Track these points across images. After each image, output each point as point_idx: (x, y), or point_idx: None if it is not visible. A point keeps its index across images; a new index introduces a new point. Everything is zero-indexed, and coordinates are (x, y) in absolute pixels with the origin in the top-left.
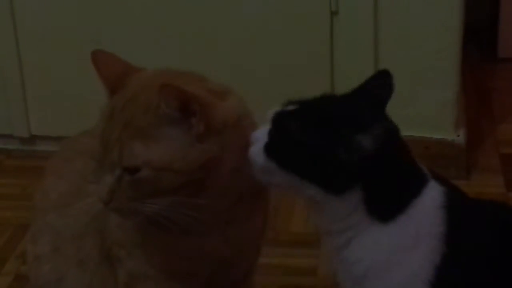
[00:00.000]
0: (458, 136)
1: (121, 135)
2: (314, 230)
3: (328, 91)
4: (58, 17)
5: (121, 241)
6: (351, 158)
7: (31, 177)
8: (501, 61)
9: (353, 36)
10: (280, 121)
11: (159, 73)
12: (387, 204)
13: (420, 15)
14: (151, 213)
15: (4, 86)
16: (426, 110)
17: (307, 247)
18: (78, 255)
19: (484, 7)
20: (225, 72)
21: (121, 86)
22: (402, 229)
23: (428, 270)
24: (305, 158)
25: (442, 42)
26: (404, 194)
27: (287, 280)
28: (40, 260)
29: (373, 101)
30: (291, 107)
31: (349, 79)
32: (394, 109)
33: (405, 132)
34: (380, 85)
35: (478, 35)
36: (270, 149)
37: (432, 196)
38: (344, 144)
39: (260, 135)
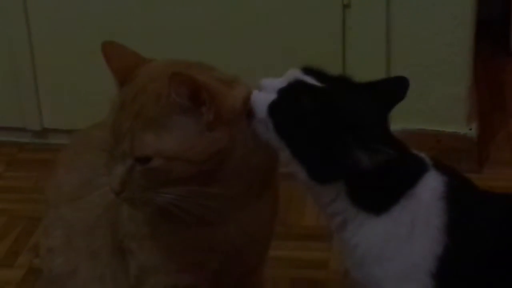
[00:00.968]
0: (470, 129)
1: (132, 126)
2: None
3: None
4: (70, 10)
5: (133, 233)
6: (347, 160)
7: (43, 170)
8: None
9: (365, 29)
10: (296, 91)
11: (169, 63)
12: (372, 197)
13: (432, 9)
14: (163, 203)
15: (16, 80)
16: (438, 103)
17: (319, 240)
18: (90, 248)
19: (497, 1)
20: (235, 64)
21: (131, 77)
22: (396, 219)
23: (430, 261)
24: (301, 138)
25: (454, 35)
26: (394, 187)
27: (298, 273)
28: (52, 252)
29: (383, 104)
30: (312, 80)
31: (361, 72)
32: (407, 103)
33: (418, 125)
34: (395, 89)
35: (490, 28)
36: (274, 109)
37: (430, 186)
38: (346, 146)
39: (271, 85)
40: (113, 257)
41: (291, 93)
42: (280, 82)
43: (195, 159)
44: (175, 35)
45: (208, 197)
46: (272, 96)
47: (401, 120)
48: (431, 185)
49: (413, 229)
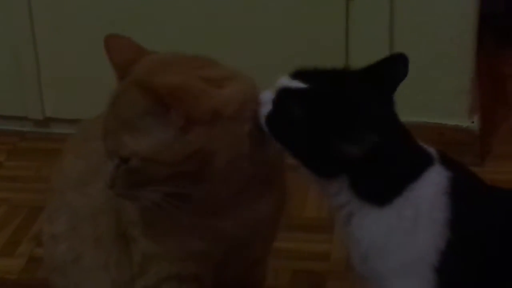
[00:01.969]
0: (473, 122)
1: (114, 125)
2: (327, 215)
3: None
4: None
5: (136, 220)
6: (340, 156)
7: (45, 159)
8: None
9: (368, 23)
10: (284, 100)
11: (158, 59)
12: (375, 189)
13: (435, 2)
14: (149, 201)
15: (18, 68)
16: (440, 96)
17: (321, 232)
18: (95, 235)
19: None
20: (239, 57)
21: (129, 72)
22: (399, 212)
23: (433, 255)
24: (298, 141)
25: (457, 28)
26: (398, 178)
27: (300, 265)
28: (56, 239)
29: (384, 86)
30: (297, 84)
31: (364, 65)
32: (409, 95)
33: (420, 118)
34: (394, 68)
35: (493, 21)
36: (269, 121)
37: (434, 181)
38: (334, 143)
39: (267, 98)
40: (117, 244)
41: (280, 102)
42: (272, 93)
43: (170, 161)
44: (180, 27)
45: (197, 196)
46: (268, 108)
47: (404, 113)
48: (435, 180)
49: (416, 223)
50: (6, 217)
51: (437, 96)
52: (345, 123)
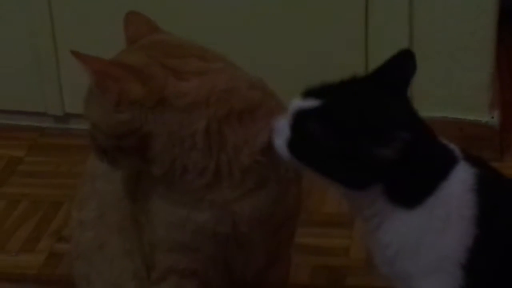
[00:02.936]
0: (493, 117)
1: (87, 89)
2: (347, 210)
3: (361, 73)
4: None
5: (144, 207)
6: (374, 162)
7: (64, 155)
8: None
9: (388, 17)
10: (301, 122)
11: (146, 40)
12: (409, 191)
13: None
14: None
15: (38, 64)
16: (460, 91)
17: (340, 227)
18: (119, 222)
19: None
20: (256, 48)
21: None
22: (431, 212)
23: (460, 253)
24: (326, 159)
25: (477, 23)
26: (429, 178)
27: (319, 261)
28: (84, 226)
29: (396, 85)
30: (311, 103)
31: (383, 60)
32: (429, 90)
33: (440, 113)
34: (403, 66)
35: None
36: (292, 146)
37: (461, 178)
38: (365, 150)
39: (283, 127)
40: (135, 231)
41: (298, 125)
42: (287, 119)
43: (109, 133)
44: (196, 18)
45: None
46: (286, 135)
47: (423, 108)
48: (462, 177)
49: (447, 222)
50: (26, 212)
51: (457, 91)
52: (372, 127)
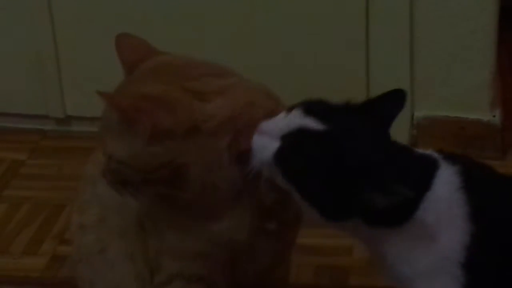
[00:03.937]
0: (494, 116)
1: (104, 124)
2: None
3: (361, 73)
4: None
5: (149, 213)
6: (363, 204)
7: (67, 157)
8: None
9: (389, 16)
10: (300, 140)
11: (151, 66)
12: (392, 215)
13: None
14: (132, 199)
15: (40, 67)
16: (462, 90)
17: None
18: (121, 226)
19: None
20: (256, 48)
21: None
22: (421, 222)
23: (458, 252)
24: (311, 183)
25: (478, 22)
26: (414, 198)
27: (322, 261)
28: (85, 230)
29: (383, 120)
30: (315, 124)
31: (385, 59)
32: (430, 90)
33: (441, 112)
34: (394, 104)
35: None
36: (280, 157)
37: (446, 181)
38: (360, 192)
39: (273, 129)
40: (141, 236)
41: (295, 141)
42: (281, 127)
43: (141, 168)
44: (200, 28)
45: (182, 202)
46: (274, 143)
47: (425, 107)
48: (446, 180)
49: (438, 226)
50: (28, 215)
51: (458, 90)
52: (378, 175)
